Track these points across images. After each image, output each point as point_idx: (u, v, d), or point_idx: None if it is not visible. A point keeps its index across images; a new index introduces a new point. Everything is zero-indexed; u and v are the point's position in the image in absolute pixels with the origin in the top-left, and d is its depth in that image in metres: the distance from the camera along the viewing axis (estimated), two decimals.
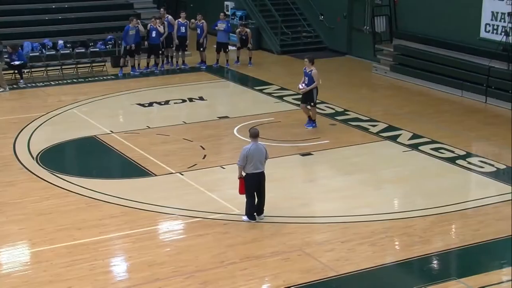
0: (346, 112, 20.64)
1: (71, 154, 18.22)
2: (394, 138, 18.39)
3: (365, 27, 27.65)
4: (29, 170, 15.98)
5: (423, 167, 16.58)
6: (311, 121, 18.98)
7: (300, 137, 18.39)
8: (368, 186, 15.43)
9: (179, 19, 26.05)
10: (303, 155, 17.20)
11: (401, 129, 19.03)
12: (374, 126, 19.39)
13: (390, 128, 19.24)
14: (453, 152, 17.37)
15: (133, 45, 24.81)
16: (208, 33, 26.32)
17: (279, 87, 23.50)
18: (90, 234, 12.89)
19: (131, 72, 25.21)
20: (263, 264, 11.96)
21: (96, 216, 13.64)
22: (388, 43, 26.39)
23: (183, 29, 25.92)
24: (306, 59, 19.04)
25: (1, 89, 22.82)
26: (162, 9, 26.78)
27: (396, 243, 12.91)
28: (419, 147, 17.69)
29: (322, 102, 21.32)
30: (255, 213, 13.45)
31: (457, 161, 16.80)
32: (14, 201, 14.35)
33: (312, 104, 18.84)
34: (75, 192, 14.76)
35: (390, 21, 26.46)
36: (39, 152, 17.09)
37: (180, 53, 26.29)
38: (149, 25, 25.52)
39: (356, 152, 17.50)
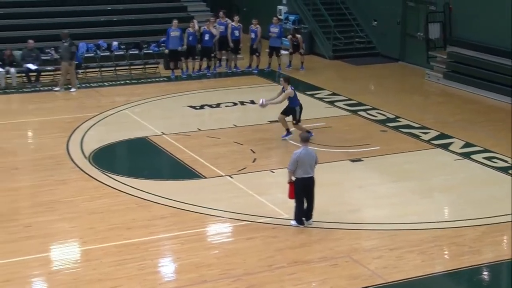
0: (398, 119, 20.47)
1: (123, 155, 18.44)
2: (445, 146, 18.18)
3: (419, 33, 27.39)
4: (81, 169, 16.21)
5: (474, 176, 16.36)
6: (288, 132, 18.46)
7: (350, 143, 18.30)
8: (417, 193, 15.28)
9: (233, 23, 26.19)
10: (353, 161, 17.12)
11: (453, 137, 18.80)
12: (425, 133, 19.20)
13: (442, 136, 19.03)
14: (505, 161, 17.11)
15: (180, 48, 25.09)
16: (262, 37, 26.43)
17: (331, 92, 23.43)
18: (140, 234, 13.01)
19: (182, 75, 25.44)
20: (311, 269, 11.93)
21: (146, 217, 13.77)
22: (442, 50, 26.11)
23: (236, 33, 26.03)
24: (281, 79, 18.72)
25: (73, 89, 23.22)
26: (221, 12, 26.88)
27: (446, 252, 12.76)
28: (471, 156, 17.46)
29: (374, 108, 21.21)
30: (303, 218, 13.43)
31: (510, 171, 16.54)
32: (66, 199, 14.56)
33: (294, 122, 18.32)
34: (125, 192, 14.93)
35: (444, 27, 26.19)
36: (92, 152, 17.33)
37: (233, 56, 26.42)
38: (202, 27, 25.71)
39: (407, 159, 17.35)
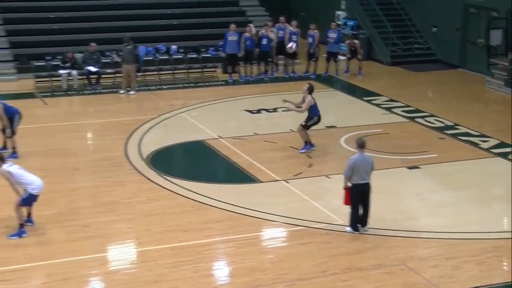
0: (456, 126, 20.22)
1: (180, 157, 18.61)
2: (505, 155, 17.89)
3: (479, 40, 27.01)
4: (139, 171, 16.43)
5: None
6: (307, 144, 18.04)
7: (407, 149, 18.14)
8: (476, 202, 15.07)
9: (291, 28, 26.22)
10: (409, 168, 16.97)
11: None
12: (485, 141, 18.92)
13: (501, 144, 18.72)
14: None
15: (239, 53, 25.23)
16: (319, 42, 26.40)
17: (388, 99, 23.27)
18: (195, 236, 13.12)
19: (240, 79, 25.57)
20: (365, 277, 11.87)
21: (201, 219, 13.88)
22: (504, 57, 25.69)
23: (294, 38, 26.05)
24: (305, 87, 18.12)
25: (133, 92, 23.56)
26: (281, 18, 26.91)
27: (504, 263, 12.54)
28: None
29: (432, 115, 21.00)
30: (359, 225, 13.37)
31: None
32: (124, 200, 14.77)
33: (303, 124, 18.00)
34: (182, 195, 15.07)
35: (507, 34, 25.76)
36: (149, 154, 17.55)
37: (290, 61, 26.46)
38: (260, 32, 25.81)
39: (465, 167, 17.13)
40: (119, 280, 11.63)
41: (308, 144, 17.94)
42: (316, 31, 26.33)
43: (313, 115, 17.96)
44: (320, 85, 25.21)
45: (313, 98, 17.93)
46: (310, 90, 18.00)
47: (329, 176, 16.22)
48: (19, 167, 13.02)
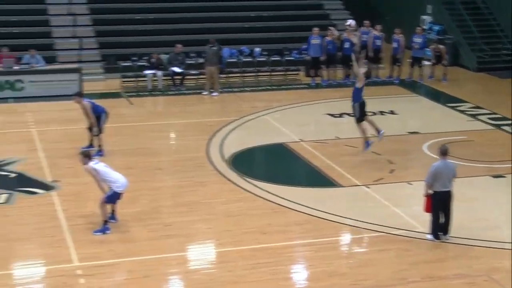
0: None
1: (260, 160, 18.72)
2: None
3: None
4: (220, 172, 16.59)
5: None
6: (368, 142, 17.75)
7: (492, 158, 17.76)
8: None
9: (375, 32, 26.04)
10: (494, 177, 16.61)
11: None
12: None
13: None
14: None
15: (321, 57, 25.21)
16: (406, 47, 26.15)
17: (474, 105, 22.83)
18: (275, 239, 13.17)
19: (322, 83, 25.53)
20: (446, 286, 11.68)
21: (281, 222, 13.93)
22: None
23: (378, 42, 25.86)
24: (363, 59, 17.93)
25: (216, 93, 23.84)
26: (366, 22, 26.75)
27: None
28: None
29: None
30: (440, 233, 13.17)
31: None
32: (205, 201, 14.94)
33: (358, 119, 17.69)
34: (262, 197, 15.15)
35: None
36: (231, 155, 17.71)
37: (373, 66, 26.26)
38: (343, 35, 25.72)
39: None
40: (198, 279, 11.77)
41: (368, 142, 17.69)
42: (401, 35, 26.08)
43: (354, 101, 17.72)
44: (404, 90, 24.97)
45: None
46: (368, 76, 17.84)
47: (410, 182, 16.03)
48: (105, 165, 13.34)
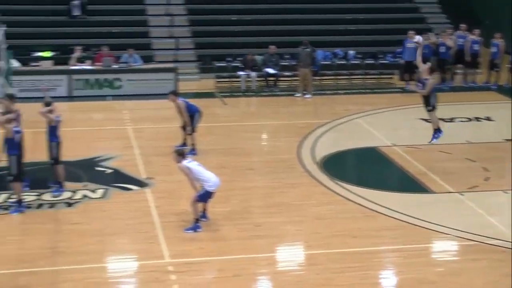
0: None
1: (352, 163, 18.63)
2: None
3: None
4: (311, 175, 16.60)
5: None
6: (436, 131, 17.15)
7: None
8: None
9: (472, 36, 25.52)
10: None
11: None
12: None
13: None
14: None
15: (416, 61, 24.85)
16: (505, 53, 25.52)
17: None
18: (364, 243, 13.08)
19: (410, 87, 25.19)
20: None
21: (371, 227, 13.83)
22: None
23: (476, 47, 25.34)
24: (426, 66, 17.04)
25: (309, 95, 23.90)
26: (463, 25, 26.26)
27: None
28: None
29: None
30: None
31: None
32: (295, 203, 14.97)
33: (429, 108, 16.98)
34: (352, 201, 15.07)
35: None
36: (322, 158, 17.69)
37: (470, 71, 25.74)
38: (439, 39, 25.30)
39: None
40: (286, 281, 11.82)
41: (438, 130, 17.25)
42: (501, 40, 25.46)
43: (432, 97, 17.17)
44: (501, 96, 24.37)
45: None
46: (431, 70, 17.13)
47: (506, 191, 15.64)
48: (198, 164, 13.55)
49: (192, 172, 13.32)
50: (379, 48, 27.22)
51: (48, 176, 15.44)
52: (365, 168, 17.76)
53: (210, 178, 13.38)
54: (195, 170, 13.33)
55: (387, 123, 20.95)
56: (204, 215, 13.75)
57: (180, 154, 13.50)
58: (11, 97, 15.71)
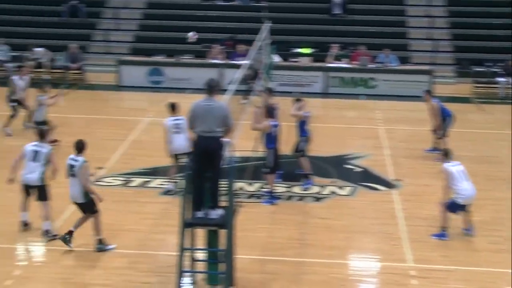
0: None
1: None
2: None
3: None
4: None
5: None
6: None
7: None
8: None
9: None
10: None
11: None
12: None
13: None
14: None
15: None
16: None
17: None
18: None
19: None
20: None
21: None
22: None
23: None
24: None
25: None
26: None
27: None
28: None
29: None
30: None
31: None
32: None
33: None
34: None
35: None
36: None
37: None
38: None
39: None
40: None
41: None
42: None
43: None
44: None
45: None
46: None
47: None
48: (462, 170, 12.97)
49: (450, 178, 12.84)
50: None
51: (297, 169, 15.89)
52: None
53: (463, 190, 12.82)
54: (454, 176, 12.82)
55: None
56: (468, 228, 13.19)
57: (445, 155, 13.19)
58: (270, 91, 16.36)
